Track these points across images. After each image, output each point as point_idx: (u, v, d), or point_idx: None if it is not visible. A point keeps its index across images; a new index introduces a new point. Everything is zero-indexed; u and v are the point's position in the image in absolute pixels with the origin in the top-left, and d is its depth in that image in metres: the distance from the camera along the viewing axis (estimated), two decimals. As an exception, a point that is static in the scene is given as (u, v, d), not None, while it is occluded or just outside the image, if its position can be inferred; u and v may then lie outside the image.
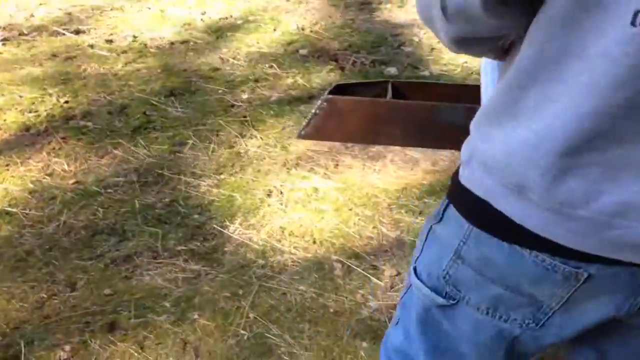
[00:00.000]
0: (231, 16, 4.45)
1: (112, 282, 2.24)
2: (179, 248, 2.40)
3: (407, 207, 2.63)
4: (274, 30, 4.26)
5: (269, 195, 2.71)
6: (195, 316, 2.10)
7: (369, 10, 4.65)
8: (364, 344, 2.00)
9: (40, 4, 4.58)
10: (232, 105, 3.36)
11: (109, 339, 2.01)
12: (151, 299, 2.17)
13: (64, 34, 4.09)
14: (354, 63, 3.85)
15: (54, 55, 3.81)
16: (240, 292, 2.21)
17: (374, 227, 2.52)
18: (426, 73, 3.75)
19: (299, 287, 2.22)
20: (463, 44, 0.90)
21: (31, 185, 2.72)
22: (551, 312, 0.92)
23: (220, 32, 4.21)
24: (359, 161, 2.95)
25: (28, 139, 3.03)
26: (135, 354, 1.96)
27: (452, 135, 1.41)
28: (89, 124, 3.15)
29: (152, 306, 2.14)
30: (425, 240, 1.05)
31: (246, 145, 3.04)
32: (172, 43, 4.03)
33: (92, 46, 3.94)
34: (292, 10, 4.58)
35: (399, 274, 2.29)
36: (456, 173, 0.97)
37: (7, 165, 2.84)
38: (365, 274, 2.29)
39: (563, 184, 0.82)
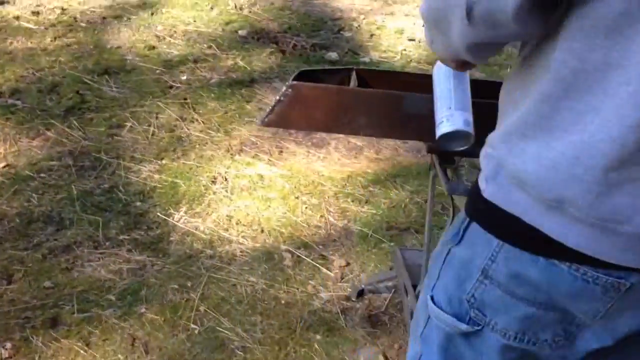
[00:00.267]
0: (166, -8, 4.29)
1: (51, 274, 2.13)
2: (122, 237, 2.31)
3: (353, 195, 2.63)
4: (211, 8, 4.15)
5: (213, 182, 2.64)
6: (143, 310, 2.03)
7: (307, -9, 4.59)
8: (318, 337, 1.99)
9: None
10: (171, 87, 3.25)
11: (52, 335, 1.91)
12: (95, 292, 2.08)
13: (-15, 4, 3.83)
14: (294, 46, 3.80)
15: (-25, 27, 3.57)
16: (189, 283, 2.15)
17: (321, 216, 2.51)
18: (366, 59, 3.75)
19: (249, 278, 2.19)
20: (477, 49, 0.88)
21: (-44, 168, 2.55)
22: (584, 326, 0.91)
23: (154, 7, 4.05)
24: (303, 148, 2.92)
25: (-50, 117, 2.83)
26: (81, 351, 1.87)
27: (419, 125, 1.40)
28: (18, 102, 2.97)
29: (96, 300, 2.05)
30: (443, 264, 0.99)
31: (187, 129, 2.95)
32: (104, 18, 3.85)
33: (17, 18, 3.71)
34: (229, -12, 4.46)
35: (348, 264, 2.29)
36: (475, 190, 0.93)
37: None
38: (315, 264, 2.27)
39: (609, 199, 0.80)
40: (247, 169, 2.74)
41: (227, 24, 3.97)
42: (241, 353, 1.92)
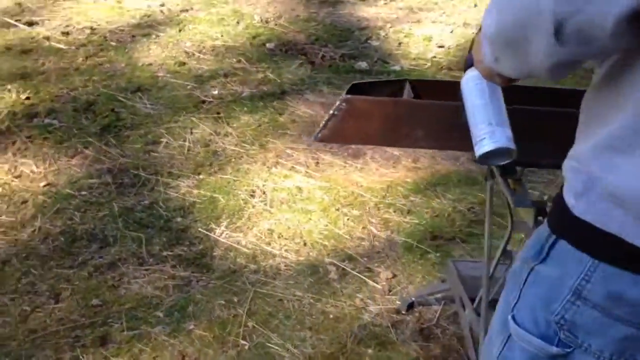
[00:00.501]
0: (192, 8, 4.31)
1: (98, 291, 2.12)
2: (165, 253, 2.30)
3: (395, 206, 2.60)
4: (237, 23, 4.15)
5: (252, 196, 2.63)
6: (192, 326, 2.02)
7: (331, 3, 4.59)
8: (369, 351, 1.96)
9: (-14, -8, 4.32)
10: (203, 102, 3.25)
11: (102, 353, 1.90)
12: (142, 309, 2.07)
13: (16, 26, 3.86)
14: (323, 57, 3.80)
15: (8, 49, 3.60)
16: (235, 299, 2.13)
17: (363, 228, 2.48)
18: (397, 68, 3.73)
19: (295, 292, 2.17)
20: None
21: (-2, 189, 2.56)
22: None
23: (182, 24, 4.07)
24: (339, 159, 2.90)
25: (-11, 138, 2.85)
26: (133, 369, 1.86)
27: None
28: (54, 122, 2.99)
29: (144, 317, 2.04)
30: (525, 283, 0.95)
31: (222, 143, 2.95)
32: (133, 36, 3.87)
33: (48, 38, 3.74)
34: (254, 3, 4.47)
35: (394, 276, 2.25)
36: (560, 205, 0.89)
37: (-32, 167, 2.67)
38: (361, 276, 2.25)
39: None
40: (284, 181, 2.73)
41: (254, 37, 3.97)
42: (293, 368, 1.90)
